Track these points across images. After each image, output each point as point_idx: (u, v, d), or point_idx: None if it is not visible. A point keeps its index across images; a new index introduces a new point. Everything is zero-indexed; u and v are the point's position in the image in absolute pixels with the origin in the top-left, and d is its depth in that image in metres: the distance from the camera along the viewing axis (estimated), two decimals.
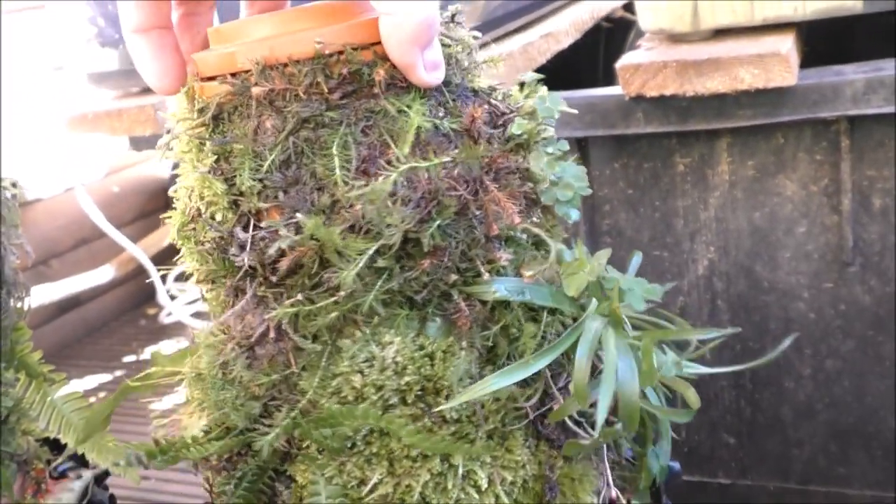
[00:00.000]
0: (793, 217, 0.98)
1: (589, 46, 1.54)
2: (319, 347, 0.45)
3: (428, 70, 0.44)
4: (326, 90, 0.43)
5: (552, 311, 0.48)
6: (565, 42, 1.28)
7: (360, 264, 0.42)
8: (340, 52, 0.43)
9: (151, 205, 2.48)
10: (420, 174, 0.43)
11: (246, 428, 0.47)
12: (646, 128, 0.96)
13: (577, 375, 0.45)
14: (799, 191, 0.97)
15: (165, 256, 2.24)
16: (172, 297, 2.25)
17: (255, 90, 0.44)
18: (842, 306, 0.99)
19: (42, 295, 2.02)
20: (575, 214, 0.50)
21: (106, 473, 0.81)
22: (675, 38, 0.98)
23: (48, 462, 0.81)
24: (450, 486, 0.46)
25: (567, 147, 0.50)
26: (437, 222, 0.43)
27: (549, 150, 0.49)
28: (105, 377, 1.98)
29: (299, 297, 0.44)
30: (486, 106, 0.47)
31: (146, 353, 2.05)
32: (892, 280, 0.96)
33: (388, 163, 0.42)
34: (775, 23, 0.95)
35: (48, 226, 2.17)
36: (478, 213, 0.44)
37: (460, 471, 0.45)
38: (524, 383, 0.47)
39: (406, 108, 0.44)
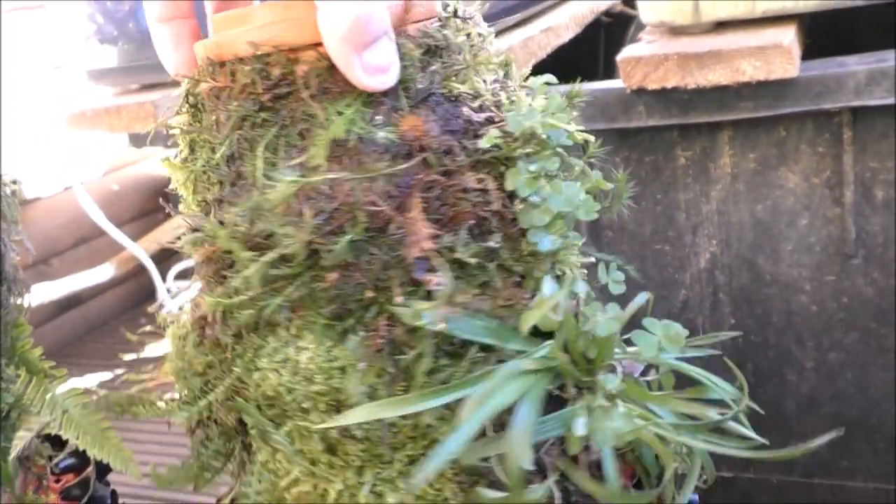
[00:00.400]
0: (795, 209, 0.98)
1: (589, 41, 1.54)
2: (230, 342, 0.46)
3: (368, 73, 0.41)
4: (260, 90, 0.43)
5: (488, 348, 0.44)
6: (565, 36, 1.28)
7: (251, 270, 0.42)
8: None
9: (151, 203, 2.48)
10: (343, 185, 0.41)
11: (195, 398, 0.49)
12: (647, 121, 0.96)
13: (461, 427, 0.40)
14: (801, 183, 0.97)
15: (165, 255, 2.24)
16: (173, 295, 2.25)
17: (203, 86, 0.45)
18: (844, 299, 0.99)
19: (43, 293, 2.02)
20: (547, 243, 0.45)
21: (107, 469, 0.81)
22: (677, 31, 0.98)
23: (49, 458, 0.80)
24: (361, 500, 0.46)
25: (577, 164, 0.48)
26: (349, 237, 0.41)
27: (533, 167, 0.45)
28: (106, 375, 1.98)
29: (219, 290, 0.45)
30: (455, 114, 0.44)
31: (147, 351, 2.05)
32: (894, 272, 0.96)
33: (307, 169, 0.42)
34: (776, 15, 0.95)
35: (48, 224, 2.17)
36: (399, 232, 0.42)
37: (367, 488, 0.45)
38: (445, 414, 0.44)
39: (337, 114, 0.42)
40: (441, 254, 0.42)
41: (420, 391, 0.42)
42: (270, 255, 0.42)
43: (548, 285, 0.45)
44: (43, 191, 2.11)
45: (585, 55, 1.61)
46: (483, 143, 0.44)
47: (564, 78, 1.04)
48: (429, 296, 0.43)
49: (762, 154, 0.97)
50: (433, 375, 0.43)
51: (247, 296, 0.43)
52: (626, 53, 0.94)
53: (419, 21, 0.45)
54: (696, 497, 0.64)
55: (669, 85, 0.91)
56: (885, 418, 1.01)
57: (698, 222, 1.02)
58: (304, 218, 0.41)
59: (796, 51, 0.88)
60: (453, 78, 0.45)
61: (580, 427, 0.42)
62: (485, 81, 0.47)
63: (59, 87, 2.03)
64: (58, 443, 0.84)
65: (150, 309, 2.35)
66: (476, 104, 0.45)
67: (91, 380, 1.94)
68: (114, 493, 0.80)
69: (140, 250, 2.14)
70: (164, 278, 2.22)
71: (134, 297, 2.39)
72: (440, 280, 0.42)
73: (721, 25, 0.98)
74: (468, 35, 0.47)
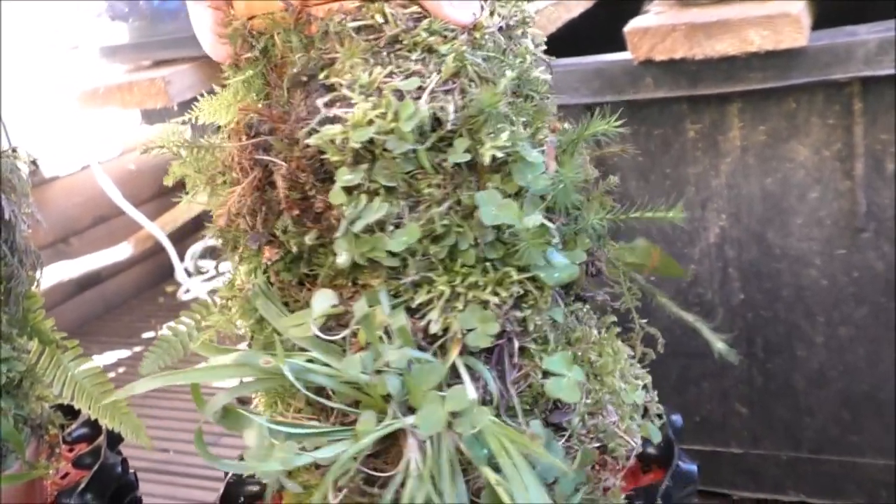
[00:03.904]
0: (805, 183, 0.97)
1: (601, 16, 1.52)
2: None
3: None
4: None
5: None
6: (576, 11, 1.27)
7: None
8: None
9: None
10: None
11: None
12: (655, 93, 0.96)
13: None
14: (811, 156, 0.96)
15: (183, 234, 2.26)
16: (190, 274, 2.27)
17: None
18: (855, 273, 0.98)
19: (62, 272, 2.04)
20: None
21: (119, 439, 0.82)
22: (685, 2, 0.97)
23: (62, 427, 0.82)
24: None
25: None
26: None
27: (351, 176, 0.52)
28: (124, 353, 2.01)
29: None
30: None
31: (165, 330, 2.07)
32: None
33: None
34: None
35: (66, 203, 2.19)
36: None
37: None
38: None
39: None
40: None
41: None
42: None
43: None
44: (61, 170, 2.13)
45: (597, 29, 1.60)
46: (311, 140, 0.49)
47: (578, 51, 1.03)
48: None
49: (772, 126, 0.96)
50: None
51: None
52: (633, 25, 0.93)
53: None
54: (695, 467, 0.64)
55: (677, 56, 0.90)
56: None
57: (708, 196, 1.01)
58: None
59: (806, 20, 0.87)
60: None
61: None
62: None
63: (74, 66, 2.04)
64: (70, 412, 0.86)
65: (168, 288, 2.38)
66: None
67: (109, 357, 1.97)
68: (125, 461, 0.81)
69: (158, 229, 2.15)
70: (181, 258, 2.24)
71: (152, 275, 2.42)
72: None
73: None
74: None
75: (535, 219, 0.50)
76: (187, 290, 2.26)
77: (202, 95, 0.66)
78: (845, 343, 1.01)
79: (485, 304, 0.51)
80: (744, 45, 0.86)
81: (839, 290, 0.99)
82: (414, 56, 0.51)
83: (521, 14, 0.56)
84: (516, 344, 0.54)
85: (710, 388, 1.10)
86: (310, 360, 0.49)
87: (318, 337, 0.51)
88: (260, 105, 0.56)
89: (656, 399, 0.65)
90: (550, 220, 0.53)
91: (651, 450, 0.64)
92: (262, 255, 0.55)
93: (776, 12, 0.85)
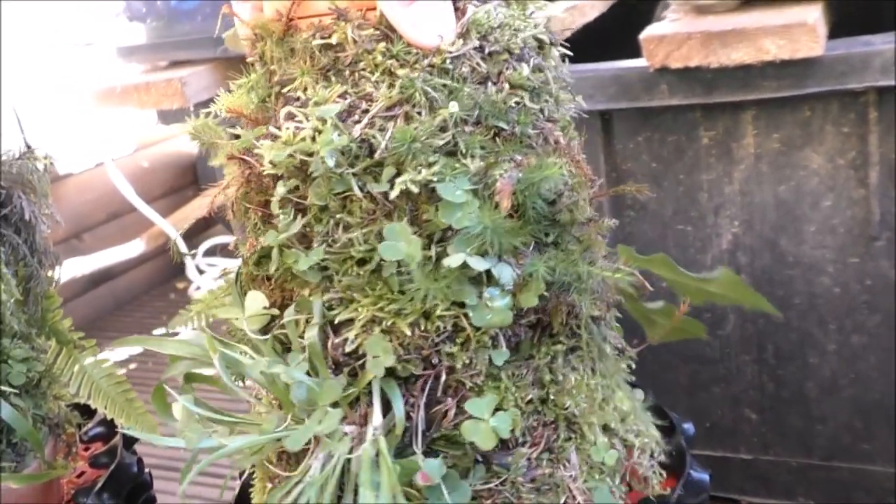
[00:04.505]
0: (819, 191, 0.97)
1: (617, 19, 1.53)
2: None
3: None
4: None
5: None
6: (591, 15, 1.27)
7: None
8: None
9: (180, 181, 2.51)
10: None
11: None
12: (670, 100, 0.96)
13: None
14: (825, 164, 0.96)
15: (195, 232, 2.27)
16: (201, 272, 2.28)
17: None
18: (868, 281, 0.98)
19: (74, 268, 2.05)
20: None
21: (135, 439, 0.83)
22: (701, 10, 0.97)
23: (79, 426, 0.83)
24: None
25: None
26: None
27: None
28: (136, 349, 2.02)
29: None
30: None
31: (175, 326, 2.08)
32: None
33: None
34: None
35: (79, 200, 2.20)
36: None
37: None
38: None
39: None
40: None
41: None
42: None
43: None
44: (74, 167, 2.15)
45: (614, 35, 1.60)
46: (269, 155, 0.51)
47: (592, 58, 1.03)
48: None
49: (786, 134, 0.96)
50: None
51: None
52: (648, 32, 0.93)
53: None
54: (707, 476, 0.65)
55: (692, 64, 0.91)
56: None
57: (721, 203, 1.02)
58: None
59: (822, 29, 0.87)
60: None
61: None
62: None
63: (85, 63, 2.05)
64: (87, 412, 0.87)
65: (179, 285, 2.39)
66: None
67: (120, 354, 1.98)
68: (140, 460, 0.82)
69: (169, 226, 2.17)
70: (192, 255, 2.25)
71: (163, 272, 2.43)
72: None
73: (746, 3, 0.97)
74: None
75: (457, 258, 0.49)
76: (198, 287, 2.28)
77: (218, 96, 0.67)
78: (858, 351, 1.01)
79: (402, 333, 0.51)
80: (759, 54, 0.87)
81: (852, 299, 0.99)
82: (374, 77, 0.52)
83: (513, 36, 0.54)
84: (443, 378, 0.53)
85: (721, 394, 1.10)
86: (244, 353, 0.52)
87: (250, 334, 0.53)
88: (252, 106, 0.58)
89: (655, 458, 0.63)
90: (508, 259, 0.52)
91: (663, 458, 0.65)
92: (245, 246, 0.57)
93: (793, 21, 0.85)
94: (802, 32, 0.85)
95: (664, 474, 0.63)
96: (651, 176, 1.03)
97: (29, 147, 0.83)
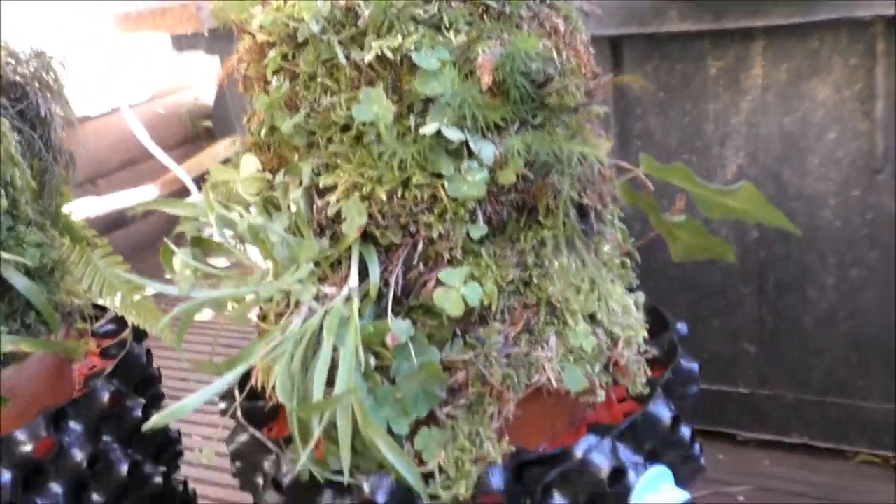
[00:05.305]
0: (824, 122, 0.98)
1: None
2: None
3: None
4: None
5: None
6: None
7: None
8: None
9: (195, 130, 2.53)
10: None
11: None
12: (680, 25, 0.96)
13: None
14: (832, 95, 0.96)
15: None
16: None
17: None
18: (869, 214, 0.99)
19: (90, 207, 2.08)
20: None
21: (144, 333, 0.85)
22: None
23: (92, 320, 0.85)
24: None
25: None
26: None
27: None
28: (149, 292, 2.05)
29: None
30: None
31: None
32: None
33: None
34: None
35: (96, 145, 2.23)
36: None
37: None
38: None
39: None
40: None
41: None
42: None
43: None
44: (91, 110, 2.17)
45: None
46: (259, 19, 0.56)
47: None
48: None
49: (794, 65, 0.97)
50: None
51: None
52: None
53: None
54: (696, 366, 0.66)
55: None
56: None
57: (726, 133, 1.02)
58: None
59: None
60: None
61: None
62: None
63: None
64: (99, 308, 0.89)
65: None
66: None
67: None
68: (149, 353, 0.84)
69: (184, 173, 2.18)
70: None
71: (177, 218, 2.46)
72: None
73: None
74: None
75: (432, 126, 0.51)
76: (211, 235, 2.30)
77: None
78: (856, 285, 1.02)
79: (380, 200, 0.53)
80: None
81: (853, 232, 1.00)
82: None
83: None
84: (420, 247, 0.55)
85: (720, 326, 1.11)
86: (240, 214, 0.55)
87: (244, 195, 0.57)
88: None
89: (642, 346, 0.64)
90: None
91: (655, 351, 0.66)
92: (254, 119, 0.60)
93: None
94: None
95: (649, 372, 0.64)
96: (658, 105, 1.04)
97: (36, 50, 0.84)
